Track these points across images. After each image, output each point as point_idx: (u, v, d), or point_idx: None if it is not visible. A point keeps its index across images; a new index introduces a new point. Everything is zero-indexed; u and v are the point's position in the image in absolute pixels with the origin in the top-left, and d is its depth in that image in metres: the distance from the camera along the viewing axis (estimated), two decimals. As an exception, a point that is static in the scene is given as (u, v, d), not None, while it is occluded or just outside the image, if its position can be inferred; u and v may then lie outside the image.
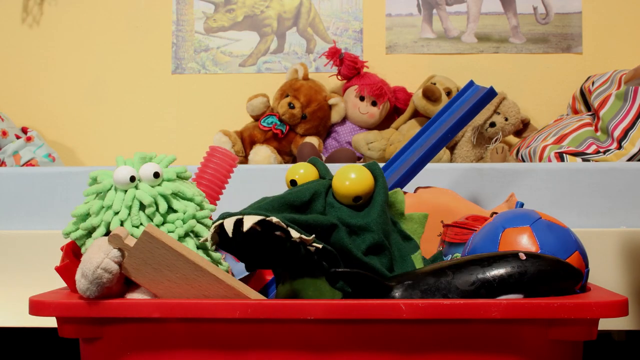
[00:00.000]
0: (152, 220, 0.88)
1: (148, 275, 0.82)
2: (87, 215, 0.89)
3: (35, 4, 2.14)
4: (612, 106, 1.71)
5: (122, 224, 0.87)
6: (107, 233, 0.87)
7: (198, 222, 0.90)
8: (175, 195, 0.90)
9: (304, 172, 0.95)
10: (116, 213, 0.87)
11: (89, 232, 0.89)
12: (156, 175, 0.89)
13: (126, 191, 0.88)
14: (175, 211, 0.90)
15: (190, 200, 0.91)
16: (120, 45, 2.13)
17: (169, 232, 0.88)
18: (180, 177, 0.92)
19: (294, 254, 0.84)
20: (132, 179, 0.88)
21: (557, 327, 0.78)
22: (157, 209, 0.88)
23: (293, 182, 0.94)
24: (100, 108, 2.13)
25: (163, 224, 0.89)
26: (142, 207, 0.88)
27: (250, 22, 2.11)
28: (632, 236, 1.30)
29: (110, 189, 0.89)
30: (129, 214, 0.87)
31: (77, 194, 0.94)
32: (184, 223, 0.89)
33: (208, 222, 0.92)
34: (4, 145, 1.89)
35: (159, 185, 0.90)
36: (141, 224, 0.87)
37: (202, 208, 0.92)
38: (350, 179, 0.89)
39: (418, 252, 0.95)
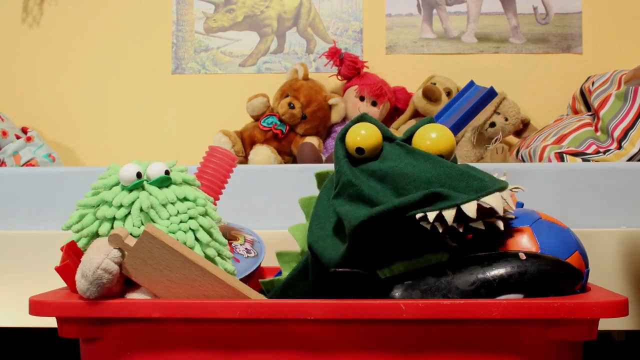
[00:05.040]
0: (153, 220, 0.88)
1: (148, 275, 0.82)
2: (91, 208, 0.89)
3: (35, 4, 2.14)
4: (612, 106, 1.71)
5: (124, 222, 0.87)
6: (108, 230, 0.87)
7: (200, 224, 0.90)
8: (181, 200, 0.90)
9: (366, 132, 0.87)
10: (126, 215, 0.87)
11: (91, 232, 0.88)
12: (167, 173, 0.89)
13: (131, 190, 0.88)
14: (178, 213, 0.89)
15: (194, 202, 0.90)
16: (120, 45, 2.13)
17: (169, 231, 0.88)
18: (187, 182, 0.92)
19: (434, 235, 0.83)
20: (139, 175, 0.88)
21: (557, 327, 0.78)
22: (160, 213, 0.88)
23: (360, 150, 0.87)
24: (100, 108, 2.13)
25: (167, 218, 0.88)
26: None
27: (250, 22, 2.11)
28: (632, 236, 1.30)
29: (116, 185, 0.89)
30: (132, 217, 0.87)
31: (77, 194, 0.94)
32: (186, 222, 0.89)
33: (212, 227, 0.91)
34: (4, 145, 1.89)
35: (166, 187, 0.89)
36: (142, 224, 0.87)
37: (207, 212, 0.91)
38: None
39: None
